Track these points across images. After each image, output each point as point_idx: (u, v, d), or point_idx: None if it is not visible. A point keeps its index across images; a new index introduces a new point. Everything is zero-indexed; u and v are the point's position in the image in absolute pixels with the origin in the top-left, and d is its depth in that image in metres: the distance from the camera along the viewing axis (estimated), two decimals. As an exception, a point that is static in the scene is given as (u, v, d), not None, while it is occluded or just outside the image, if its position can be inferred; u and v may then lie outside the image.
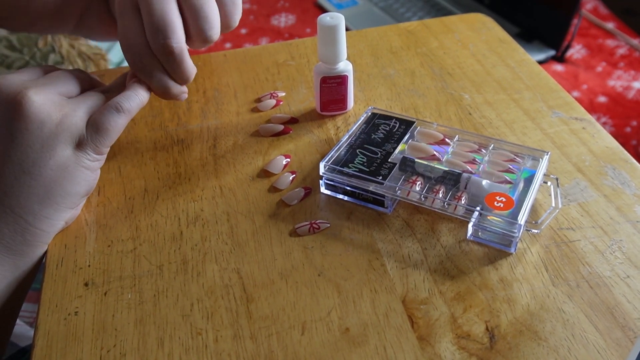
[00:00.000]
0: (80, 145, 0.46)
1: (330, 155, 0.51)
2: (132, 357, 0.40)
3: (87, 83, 0.51)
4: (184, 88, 0.51)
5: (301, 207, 0.50)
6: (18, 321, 0.67)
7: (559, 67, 1.60)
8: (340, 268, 0.45)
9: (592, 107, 1.48)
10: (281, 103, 0.62)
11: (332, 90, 0.58)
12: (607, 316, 0.41)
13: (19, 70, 0.50)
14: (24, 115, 0.44)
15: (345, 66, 0.57)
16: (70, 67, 1.20)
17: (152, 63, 0.48)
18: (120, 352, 0.40)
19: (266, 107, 0.62)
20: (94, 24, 0.70)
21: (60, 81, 0.48)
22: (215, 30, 0.50)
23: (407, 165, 0.50)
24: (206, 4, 0.49)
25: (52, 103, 0.45)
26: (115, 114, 0.47)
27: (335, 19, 0.54)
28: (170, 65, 0.48)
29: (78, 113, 0.46)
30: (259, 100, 0.63)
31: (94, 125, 0.46)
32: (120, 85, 0.51)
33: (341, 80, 0.57)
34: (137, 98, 0.48)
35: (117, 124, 0.47)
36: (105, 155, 0.49)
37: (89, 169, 0.47)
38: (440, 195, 0.47)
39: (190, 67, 0.50)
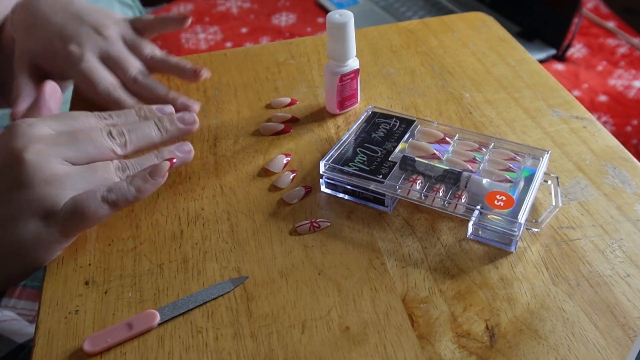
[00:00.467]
0: (47, 219, 0.43)
1: (330, 154, 0.51)
2: (132, 355, 0.40)
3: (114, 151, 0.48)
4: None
5: (301, 206, 0.50)
6: (15, 317, 0.67)
7: (559, 66, 1.59)
8: (340, 267, 0.45)
9: (592, 106, 1.48)
10: (297, 102, 0.62)
11: (346, 87, 0.58)
12: (607, 315, 0.41)
13: (57, 116, 0.48)
14: (14, 174, 0.43)
15: (353, 61, 0.57)
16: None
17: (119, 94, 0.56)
18: (121, 351, 0.40)
19: (279, 105, 0.62)
20: None
21: (80, 144, 0.45)
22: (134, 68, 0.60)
23: (408, 164, 0.50)
24: (122, 54, 0.60)
25: (43, 167, 0.43)
26: (98, 201, 0.44)
27: (345, 16, 0.54)
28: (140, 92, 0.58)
29: (66, 190, 0.43)
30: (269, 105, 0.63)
31: (71, 206, 0.43)
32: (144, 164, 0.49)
33: (353, 75, 0.58)
34: (132, 195, 0.45)
35: (96, 215, 0.44)
36: (72, 240, 0.46)
37: (45, 249, 0.44)
38: (441, 194, 0.47)
39: (157, 88, 0.58)
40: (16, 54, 0.61)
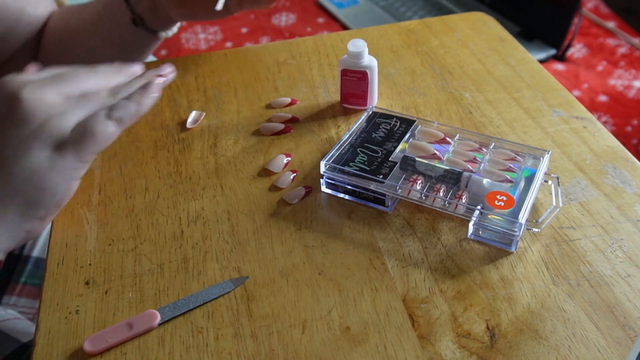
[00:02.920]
0: (59, 148, 0.44)
1: (331, 154, 0.51)
2: (132, 355, 0.40)
3: (109, 77, 0.49)
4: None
5: (302, 206, 0.50)
6: (18, 316, 0.67)
7: (559, 66, 1.59)
8: (340, 267, 0.45)
9: (592, 106, 1.48)
10: (297, 102, 0.62)
11: (353, 84, 0.58)
12: (607, 315, 0.41)
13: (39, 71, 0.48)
14: (12, 111, 0.43)
15: (369, 62, 0.57)
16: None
17: None
18: (121, 351, 0.40)
19: (280, 105, 0.62)
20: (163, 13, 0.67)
21: (68, 80, 0.46)
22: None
23: (408, 164, 0.50)
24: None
25: (42, 103, 0.44)
26: (104, 119, 0.45)
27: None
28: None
29: (68, 116, 0.44)
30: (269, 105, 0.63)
31: (80, 129, 0.44)
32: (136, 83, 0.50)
33: (362, 75, 0.57)
34: (133, 109, 0.46)
35: (105, 132, 0.44)
36: (87, 165, 0.46)
37: (63, 176, 0.44)
38: (441, 194, 0.47)
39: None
40: None
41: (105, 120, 0.45)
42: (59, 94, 0.45)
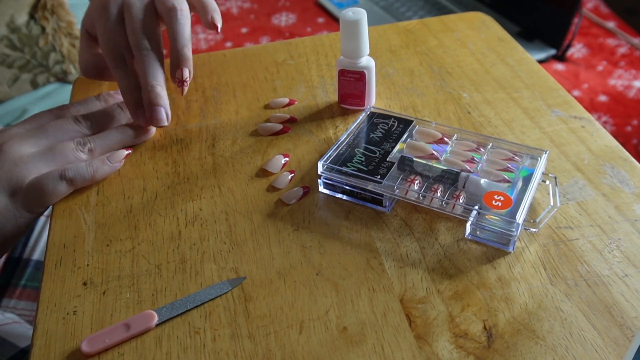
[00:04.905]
0: (12, 196, 0.48)
1: (328, 155, 0.51)
2: (130, 356, 0.40)
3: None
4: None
5: (300, 207, 0.50)
6: (18, 320, 0.67)
7: (559, 66, 1.59)
8: (338, 267, 0.45)
9: (592, 107, 1.48)
10: (296, 103, 0.62)
11: (350, 85, 0.58)
12: (605, 315, 0.41)
13: (29, 118, 0.54)
14: None
15: (367, 62, 0.57)
16: (71, 66, 1.19)
17: (128, 58, 0.55)
18: (119, 352, 0.40)
19: (278, 105, 0.62)
20: None
21: (42, 135, 0.52)
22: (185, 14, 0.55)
23: (406, 165, 0.50)
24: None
25: (10, 153, 0.49)
26: (57, 179, 0.49)
27: (357, 13, 0.54)
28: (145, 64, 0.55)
29: (27, 167, 0.49)
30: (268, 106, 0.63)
31: (33, 184, 0.49)
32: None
33: (359, 76, 0.57)
34: (84, 173, 0.50)
35: (55, 189, 0.49)
36: (35, 217, 0.50)
37: (10, 223, 0.49)
38: (439, 194, 0.47)
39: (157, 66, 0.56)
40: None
41: (58, 180, 0.49)
42: (34, 147, 0.51)
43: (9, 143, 0.50)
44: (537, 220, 0.47)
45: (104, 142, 0.54)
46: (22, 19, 1.11)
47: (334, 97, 0.63)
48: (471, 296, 0.43)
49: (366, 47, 0.56)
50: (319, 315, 0.42)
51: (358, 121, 0.55)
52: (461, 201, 0.47)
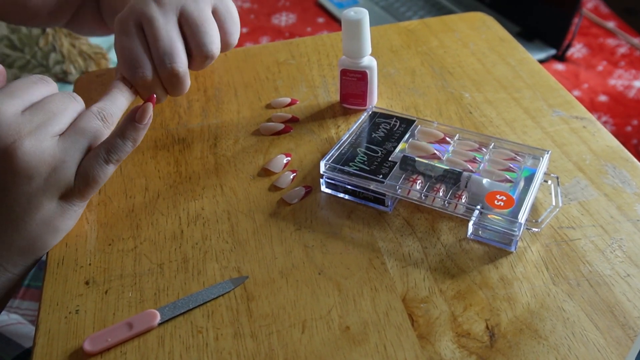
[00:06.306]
0: (66, 196, 0.46)
1: (330, 154, 0.51)
2: (132, 355, 0.40)
3: (77, 104, 0.48)
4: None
5: (302, 206, 0.50)
6: (22, 320, 0.67)
7: (559, 66, 1.60)
8: (340, 267, 0.45)
9: (593, 106, 1.48)
10: (297, 102, 0.62)
11: (352, 84, 0.58)
12: (607, 315, 0.41)
13: (10, 85, 0.45)
14: (14, 169, 0.42)
15: (369, 62, 0.57)
16: (71, 67, 1.20)
17: (155, 81, 0.52)
18: (121, 351, 0.40)
19: (280, 105, 0.62)
20: (85, 21, 0.72)
21: (55, 117, 0.45)
22: (215, 45, 0.53)
23: (408, 164, 0.50)
24: (206, 21, 0.52)
25: (42, 155, 0.43)
26: (104, 165, 0.46)
27: (359, 13, 0.54)
28: (173, 84, 0.52)
29: (68, 164, 0.45)
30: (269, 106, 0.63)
31: (84, 178, 0.46)
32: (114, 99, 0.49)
33: (361, 75, 0.57)
34: (125, 147, 0.47)
35: (107, 175, 0.47)
36: (89, 199, 0.49)
37: (72, 219, 0.48)
38: (441, 194, 0.47)
39: (188, 85, 0.54)
40: None
41: (105, 166, 0.46)
42: (53, 137, 0.44)
43: (23, 145, 0.43)
44: (539, 220, 0.47)
45: (114, 107, 0.49)
46: (22, 18, 1.11)
47: (335, 96, 0.63)
48: (473, 296, 0.43)
49: (368, 47, 0.56)
50: (321, 315, 0.42)
51: (360, 121, 0.55)
52: (463, 201, 0.47)
